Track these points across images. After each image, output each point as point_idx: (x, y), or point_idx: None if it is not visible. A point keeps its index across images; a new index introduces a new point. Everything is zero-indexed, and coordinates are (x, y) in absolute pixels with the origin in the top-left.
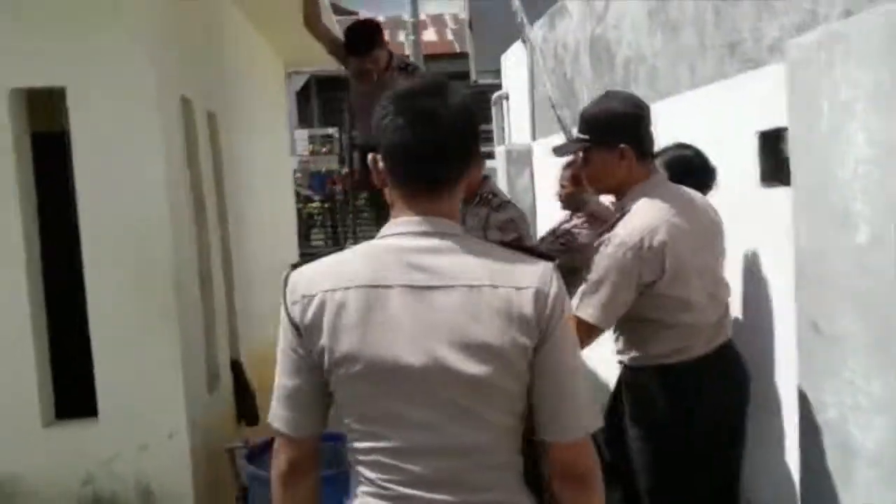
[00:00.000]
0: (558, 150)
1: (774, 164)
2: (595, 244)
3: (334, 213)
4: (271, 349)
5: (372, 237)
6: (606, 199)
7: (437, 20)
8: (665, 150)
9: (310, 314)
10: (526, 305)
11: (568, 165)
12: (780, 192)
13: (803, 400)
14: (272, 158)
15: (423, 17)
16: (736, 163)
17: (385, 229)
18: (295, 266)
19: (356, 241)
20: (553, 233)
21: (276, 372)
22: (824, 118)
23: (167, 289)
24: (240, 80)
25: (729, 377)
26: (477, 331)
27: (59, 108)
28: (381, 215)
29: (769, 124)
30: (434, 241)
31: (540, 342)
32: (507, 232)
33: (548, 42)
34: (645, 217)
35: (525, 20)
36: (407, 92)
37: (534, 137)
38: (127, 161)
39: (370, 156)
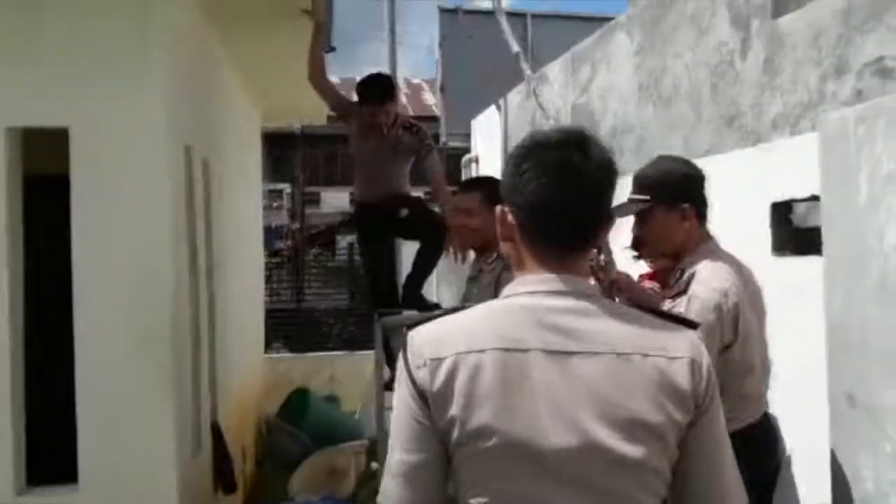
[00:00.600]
0: (617, 211)
1: (786, 234)
2: (667, 308)
3: (282, 268)
4: (245, 410)
5: (323, 293)
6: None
7: (409, 83)
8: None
9: (439, 380)
10: (680, 377)
11: None
12: (792, 262)
13: (837, 472)
14: (249, 210)
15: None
16: (748, 232)
17: (514, 287)
18: (411, 326)
19: (301, 296)
20: None
21: (391, 445)
22: (862, 191)
23: (165, 347)
24: (227, 130)
25: (769, 447)
26: (630, 405)
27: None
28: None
29: (781, 196)
30: (572, 302)
31: (695, 418)
32: None
33: (524, 109)
34: (717, 279)
35: (528, 70)
36: (547, 143)
37: None
38: (130, 208)
39: (498, 209)
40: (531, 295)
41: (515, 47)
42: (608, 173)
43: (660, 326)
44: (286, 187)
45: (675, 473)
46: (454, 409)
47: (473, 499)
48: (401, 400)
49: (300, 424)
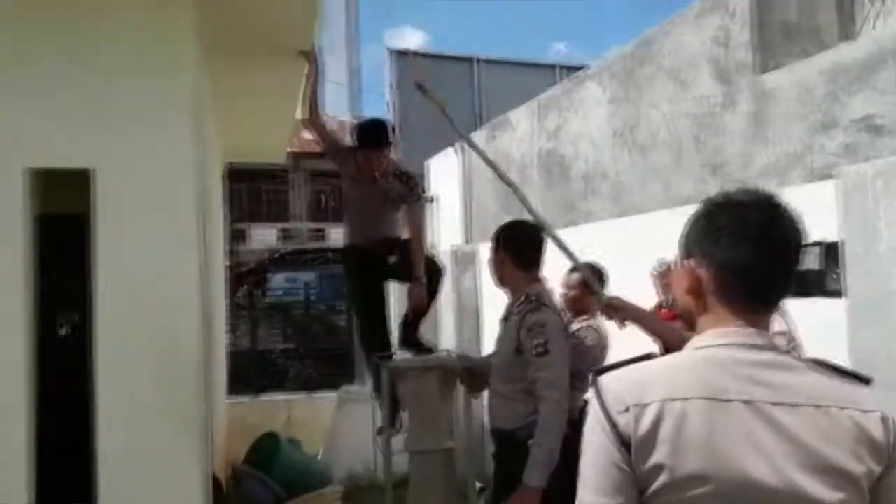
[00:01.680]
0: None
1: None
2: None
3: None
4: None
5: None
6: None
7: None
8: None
9: (644, 426)
10: (875, 430)
11: (573, 270)
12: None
13: None
14: (218, 250)
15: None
16: None
17: (706, 339)
18: (600, 372)
19: (255, 337)
20: None
21: (583, 490)
22: (883, 238)
23: (189, 396)
24: (212, 170)
25: None
26: (833, 455)
27: (74, 191)
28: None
29: None
30: (769, 356)
31: (886, 469)
32: (534, 335)
33: (487, 152)
34: None
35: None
36: (744, 203)
37: (468, 240)
38: (159, 253)
39: (689, 262)
40: (728, 347)
41: (490, 161)
42: (801, 238)
43: (843, 380)
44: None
45: None
46: (660, 456)
47: None
48: (598, 445)
49: (270, 471)
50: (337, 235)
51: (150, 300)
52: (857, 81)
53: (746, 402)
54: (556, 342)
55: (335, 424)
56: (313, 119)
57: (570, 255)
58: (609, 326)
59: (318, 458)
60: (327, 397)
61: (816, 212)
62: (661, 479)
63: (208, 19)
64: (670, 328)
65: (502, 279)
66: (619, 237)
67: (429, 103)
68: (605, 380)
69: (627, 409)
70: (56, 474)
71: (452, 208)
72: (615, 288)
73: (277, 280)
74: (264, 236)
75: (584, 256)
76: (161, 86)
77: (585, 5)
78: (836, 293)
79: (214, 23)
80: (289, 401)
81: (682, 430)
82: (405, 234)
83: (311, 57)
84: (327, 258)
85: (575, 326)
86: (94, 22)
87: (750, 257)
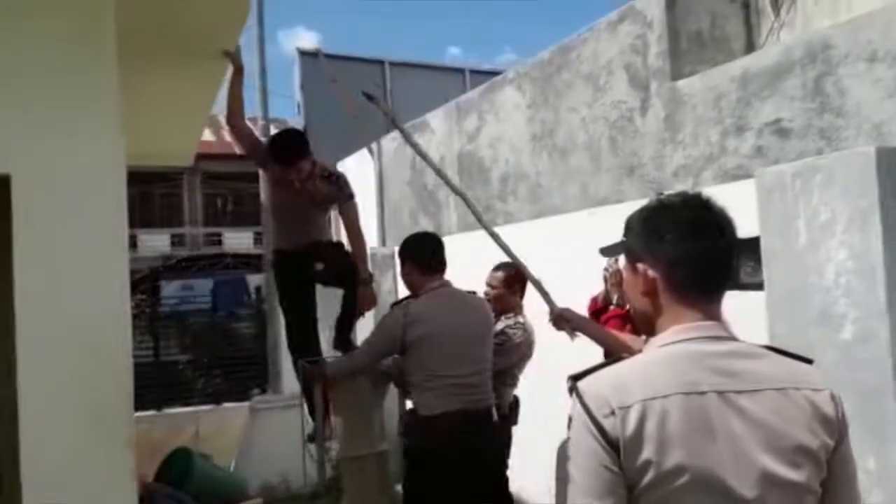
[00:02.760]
0: (607, 251)
1: None
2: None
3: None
4: None
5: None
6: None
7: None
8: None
9: (630, 426)
10: (826, 406)
11: (498, 268)
12: None
13: None
14: None
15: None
16: None
17: (670, 336)
18: (577, 377)
19: (157, 348)
20: None
21: (574, 494)
22: (801, 234)
23: (119, 419)
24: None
25: None
26: (794, 434)
27: None
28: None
29: None
30: (729, 345)
31: (837, 443)
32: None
33: (402, 154)
34: None
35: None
36: (674, 204)
37: (383, 242)
38: (84, 265)
39: (640, 266)
40: (692, 341)
41: (431, 161)
42: (732, 225)
43: (792, 361)
44: None
45: (822, 489)
46: (647, 453)
47: None
48: (586, 449)
49: (184, 487)
50: (234, 241)
51: (74, 311)
52: (768, 87)
53: (718, 393)
54: (378, 328)
55: (248, 435)
56: (235, 121)
57: (509, 253)
58: (535, 324)
59: (231, 470)
60: (237, 408)
61: (734, 210)
62: (650, 475)
63: (131, 20)
64: (614, 338)
65: (412, 287)
66: (538, 238)
67: (378, 111)
68: (584, 385)
69: (613, 413)
70: None
71: (367, 211)
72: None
73: (172, 288)
74: (155, 242)
75: (504, 258)
76: (84, 88)
77: (473, 13)
78: (756, 286)
79: (136, 23)
80: (196, 413)
81: (664, 426)
82: (333, 237)
83: (235, 58)
84: (226, 264)
85: (501, 325)
86: (11, 20)
87: (694, 249)
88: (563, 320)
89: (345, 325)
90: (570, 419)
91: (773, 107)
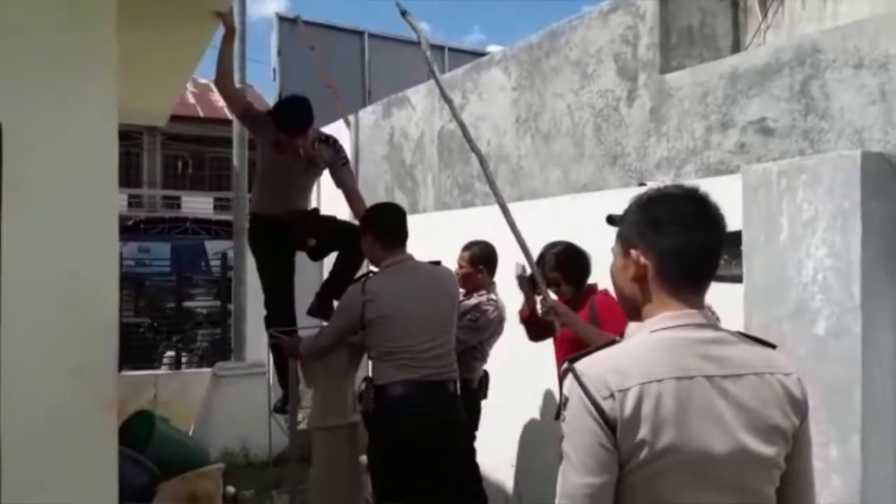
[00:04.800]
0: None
1: None
2: None
3: None
4: None
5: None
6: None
7: (195, 83)
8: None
9: (628, 408)
10: (795, 389)
11: (466, 248)
12: None
13: None
14: None
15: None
16: None
17: (658, 322)
18: (574, 360)
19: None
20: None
21: (569, 471)
22: (783, 230)
23: (104, 374)
24: None
25: None
26: (770, 415)
27: None
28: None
29: None
30: (712, 333)
31: (801, 421)
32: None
33: (381, 128)
34: None
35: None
36: (674, 195)
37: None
38: (73, 215)
39: (633, 252)
40: (681, 328)
41: (448, 95)
42: (725, 221)
43: (763, 347)
44: None
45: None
46: (643, 434)
47: None
48: (583, 428)
49: (144, 451)
50: (193, 205)
51: (64, 264)
52: (755, 86)
53: (706, 378)
54: (338, 308)
55: (208, 401)
56: (226, 83)
57: (519, 238)
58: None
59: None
60: (198, 373)
61: (719, 204)
62: (643, 455)
63: None
64: (597, 333)
65: (373, 261)
66: (517, 221)
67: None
68: (581, 367)
69: (612, 396)
70: None
71: None
72: (508, 269)
73: (128, 250)
74: None
75: (479, 237)
76: (82, 37)
77: None
78: (734, 279)
79: None
80: (155, 377)
81: (659, 408)
82: (313, 205)
83: (228, 19)
84: (185, 228)
85: (474, 301)
86: None
87: (689, 241)
88: (554, 313)
89: (335, 290)
90: (565, 400)
91: (758, 106)
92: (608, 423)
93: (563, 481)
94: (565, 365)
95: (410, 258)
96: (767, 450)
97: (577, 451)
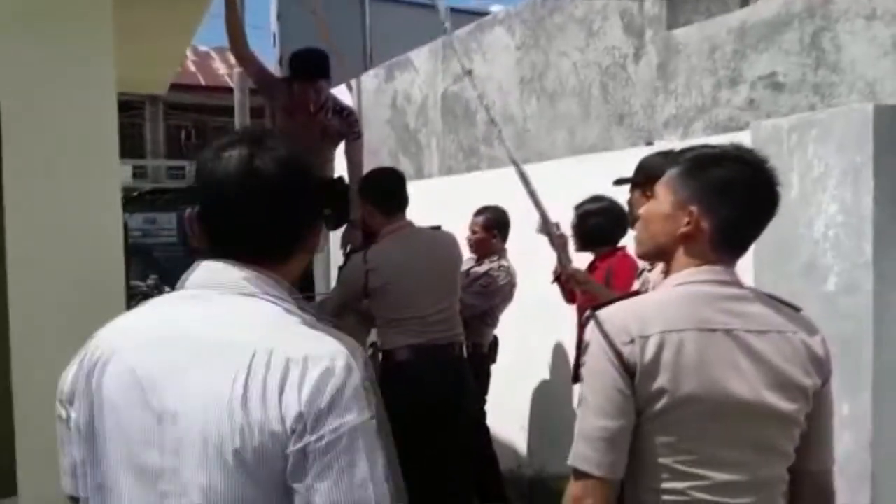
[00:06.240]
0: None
1: None
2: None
3: None
4: None
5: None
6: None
7: (196, 51)
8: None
9: (648, 355)
10: (818, 349)
11: (479, 213)
12: None
13: None
14: None
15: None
16: None
17: (683, 277)
18: (597, 308)
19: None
20: (467, 276)
21: (587, 414)
22: (794, 187)
23: None
24: None
25: None
26: (792, 372)
27: None
28: None
29: None
30: (737, 290)
31: (824, 382)
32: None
33: (383, 92)
34: None
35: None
36: (742, 161)
37: None
38: (80, 193)
39: (693, 209)
40: (706, 283)
41: (466, 64)
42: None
43: (787, 307)
44: None
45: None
46: (662, 381)
47: (664, 458)
48: (601, 372)
49: None
50: None
51: (70, 243)
52: (764, 40)
53: (727, 331)
54: (340, 278)
55: None
56: (239, 48)
57: (543, 213)
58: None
59: None
60: None
61: None
62: (663, 402)
63: None
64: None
65: (373, 227)
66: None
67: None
68: (604, 314)
69: (632, 341)
70: None
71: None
72: (518, 234)
73: (135, 220)
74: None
75: (486, 201)
76: (80, 11)
77: None
78: None
79: None
80: None
81: (679, 357)
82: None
83: None
84: (191, 199)
85: (485, 267)
86: None
87: (749, 215)
88: (576, 281)
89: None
90: (585, 345)
91: (768, 60)
92: (626, 369)
93: (581, 423)
94: (588, 312)
95: (410, 224)
96: (788, 406)
97: (594, 395)
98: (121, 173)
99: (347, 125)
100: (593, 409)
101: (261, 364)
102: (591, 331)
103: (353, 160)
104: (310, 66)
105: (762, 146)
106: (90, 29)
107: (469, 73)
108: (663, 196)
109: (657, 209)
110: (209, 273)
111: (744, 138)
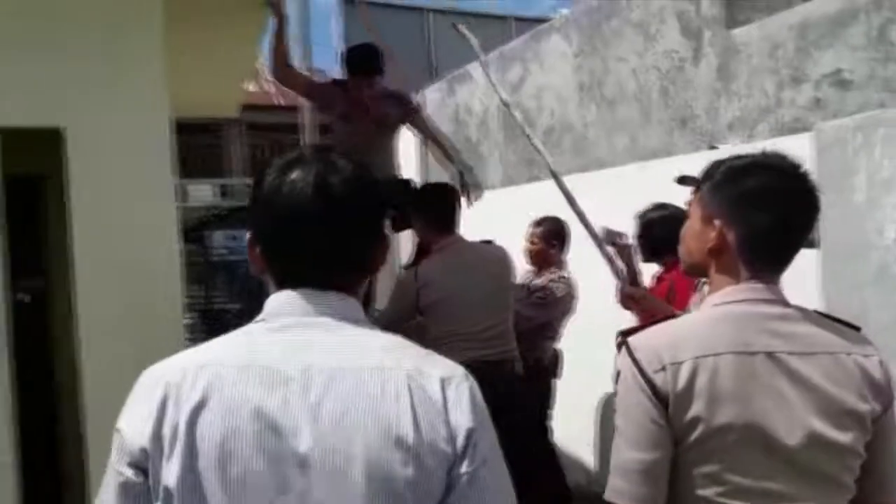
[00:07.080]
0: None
1: None
2: None
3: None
4: None
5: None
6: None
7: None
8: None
9: (681, 382)
10: (875, 372)
11: (538, 224)
12: None
13: None
14: None
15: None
16: None
17: (724, 296)
18: (627, 333)
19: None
20: (526, 288)
21: (621, 446)
22: (861, 191)
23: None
24: None
25: None
26: (844, 398)
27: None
28: None
29: None
30: (781, 309)
31: (884, 408)
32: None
33: (446, 106)
34: None
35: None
36: (773, 169)
37: None
38: (137, 209)
39: (717, 223)
40: (747, 303)
41: (503, 95)
42: (819, 202)
43: (841, 327)
44: None
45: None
46: (697, 409)
47: (703, 489)
48: (634, 402)
49: None
50: None
51: (129, 263)
52: (828, 36)
53: (769, 354)
54: (393, 295)
55: None
56: (285, 69)
57: (587, 225)
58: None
59: None
60: None
61: None
62: (698, 431)
63: None
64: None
65: (424, 244)
66: (583, 192)
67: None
68: (635, 341)
69: (664, 368)
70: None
71: (409, 162)
72: (584, 245)
73: (220, 238)
74: (202, 193)
75: (546, 212)
76: (134, 39)
77: None
78: (809, 244)
79: None
80: None
81: (715, 383)
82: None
83: (278, 7)
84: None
85: (544, 279)
86: None
87: (779, 225)
88: (631, 300)
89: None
90: (617, 373)
91: (833, 57)
92: (659, 398)
93: (616, 456)
94: (618, 338)
95: (461, 239)
96: (841, 436)
97: (628, 426)
98: (172, 193)
99: (401, 105)
100: (627, 441)
101: (418, 386)
102: (622, 358)
103: (426, 129)
104: (366, 62)
105: (825, 148)
106: (142, 55)
107: (507, 105)
108: (694, 211)
109: (690, 225)
110: (304, 301)
111: (806, 141)
